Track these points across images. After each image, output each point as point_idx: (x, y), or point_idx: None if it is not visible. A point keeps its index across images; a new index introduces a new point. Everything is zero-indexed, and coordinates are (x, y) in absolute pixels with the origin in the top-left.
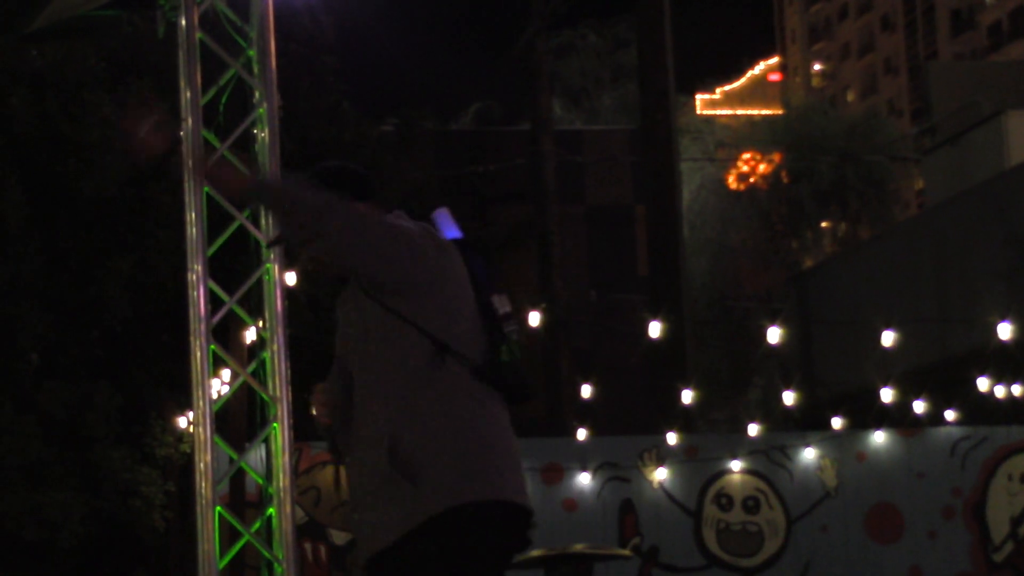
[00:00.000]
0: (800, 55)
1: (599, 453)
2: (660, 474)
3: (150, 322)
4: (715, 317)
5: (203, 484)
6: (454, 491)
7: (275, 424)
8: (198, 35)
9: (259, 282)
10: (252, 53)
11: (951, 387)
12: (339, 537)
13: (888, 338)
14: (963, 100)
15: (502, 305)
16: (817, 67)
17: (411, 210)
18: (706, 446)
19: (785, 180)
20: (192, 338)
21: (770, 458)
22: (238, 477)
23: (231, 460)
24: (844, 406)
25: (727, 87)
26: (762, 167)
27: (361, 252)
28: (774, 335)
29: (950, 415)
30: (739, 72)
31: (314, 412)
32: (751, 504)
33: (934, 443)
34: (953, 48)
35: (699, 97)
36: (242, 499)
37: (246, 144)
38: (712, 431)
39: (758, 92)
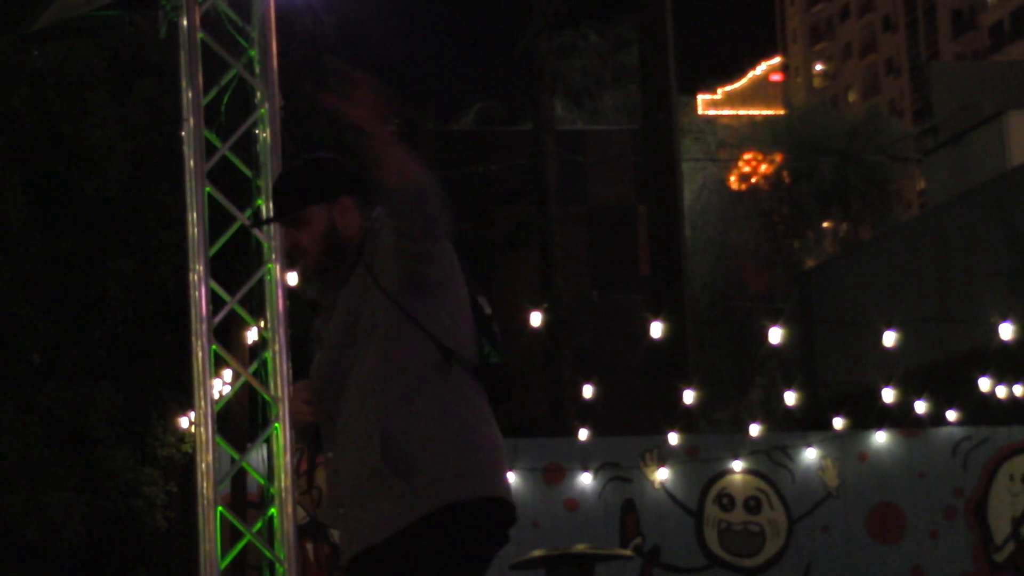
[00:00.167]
0: (802, 55)
1: (601, 453)
2: (662, 474)
3: (152, 322)
4: (717, 317)
5: (205, 484)
6: (449, 488)
7: (277, 424)
8: (200, 35)
9: (261, 282)
10: (253, 53)
11: (953, 387)
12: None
13: (889, 338)
14: (964, 100)
15: (485, 306)
16: (819, 67)
17: None
18: (708, 446)
19: (787, 180)
20: (194, 338)
21: (771, 458)
22: (240, 477)
23: (233, 460)
24: (846, 406)
25: (729, 87)
26: (764, 167)
27: (436, 238)
28: (776, 335)
29: (952, 415)
30: (741, 72)
31: (293, 410)
32: (753, 504)
33: (936, 443)
34: (955, 48)
35: (701, 97)
36: (244, 499)
37: (247, 144)
38: (714, 431)
39: (760, 92)
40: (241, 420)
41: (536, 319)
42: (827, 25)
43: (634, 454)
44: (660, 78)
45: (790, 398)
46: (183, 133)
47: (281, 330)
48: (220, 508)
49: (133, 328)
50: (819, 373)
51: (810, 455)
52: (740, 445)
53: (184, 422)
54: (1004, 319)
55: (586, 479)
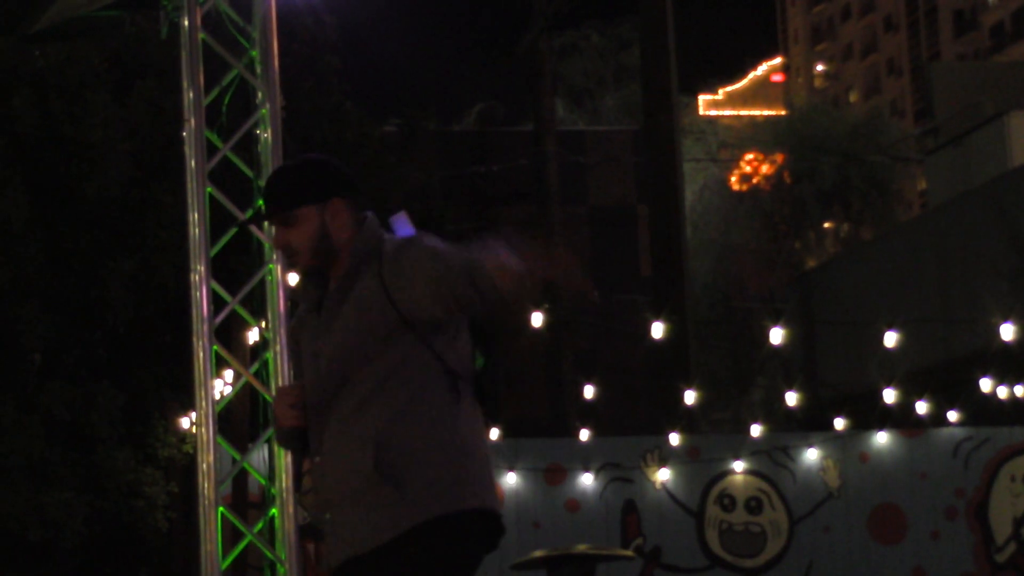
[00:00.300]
0: (803, 56)
1: (602, 454)
2: (663, 475)
3: (153, 323)
4: (718, 318)
5: (206, 484)
6: (438, 500)
7: None
8: (201, 36)
9: (261, 283)
10: (255, 53)
11: (954, 388)
12: None
13: (891, 339)
14: (966, 101)
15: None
16: (820, 68)
17: (381, 217)
18: (709, 447)
19: (788, 181)
20: (195, 339)
21: (773, 459)
22: (241, 477)
23: (234, 460)
24: (847, 406)
25: (730, 88)
26: (765, 168)
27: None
28: (777, 336)
29: (953, 416)
30: (742, 73)
31: (279, 414)
32: (754, 505)
33: (937, 444)
34: (956, 49)
35: (702, 98)
36: (245, 499)
37: (249, 144)
38: (715, 432)
39: (761, 93)
40: (242, 420)
41: (537, 319)
42: (828, 25)
43: (635, 454)
44: (661, 78)
45: (791, 398)
46: (184, 133)
47: (282, 330)
48: (221, 508)
49: (134, 328)
50: (820, 373)
51: (811, 455)
52: (741, 445)
53: (185, 422)
54: (1005, 320)
55: (587, 479)
